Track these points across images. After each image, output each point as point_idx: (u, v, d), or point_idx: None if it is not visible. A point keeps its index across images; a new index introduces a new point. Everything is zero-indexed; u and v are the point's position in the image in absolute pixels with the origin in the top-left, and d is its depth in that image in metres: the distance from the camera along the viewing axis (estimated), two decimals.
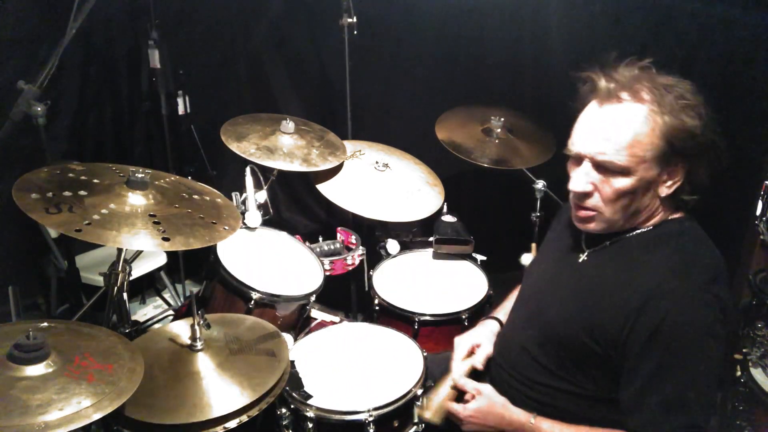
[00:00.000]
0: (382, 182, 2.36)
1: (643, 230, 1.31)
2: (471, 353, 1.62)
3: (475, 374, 1.58)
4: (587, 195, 1.28)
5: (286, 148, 2.24)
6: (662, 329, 1.16)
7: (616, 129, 1.22)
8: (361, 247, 2.41)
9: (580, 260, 1.40)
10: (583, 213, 1.32)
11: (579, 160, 1.29)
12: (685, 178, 1.25)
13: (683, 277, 1.20)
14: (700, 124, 1.21)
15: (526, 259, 2.20)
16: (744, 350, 1.94)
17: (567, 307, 1.35)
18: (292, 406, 1.54)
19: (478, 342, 1.62)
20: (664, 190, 1.26)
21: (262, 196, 2.25)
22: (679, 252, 1.25)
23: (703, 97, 1.23)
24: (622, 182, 1.23)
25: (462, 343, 1.64)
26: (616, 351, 1.23)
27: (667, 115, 1.20)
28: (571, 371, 1.33)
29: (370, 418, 1.49)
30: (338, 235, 2.50)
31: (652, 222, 1.31)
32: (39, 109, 1.86)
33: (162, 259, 2.86)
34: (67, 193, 1.40)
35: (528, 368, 1.41)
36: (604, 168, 1.24)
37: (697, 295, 1.18)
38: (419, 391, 1.59)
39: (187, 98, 2.97)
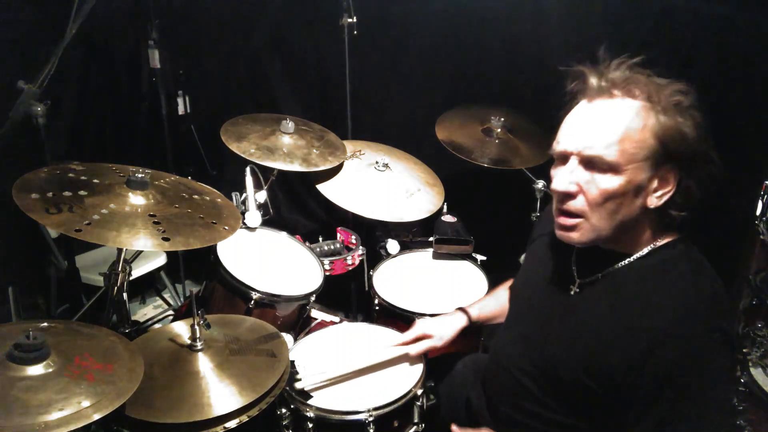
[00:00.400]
0: (382, 182, 2.37)
1: (636, 258, 1.22)
2: (419, 339, 1.67)
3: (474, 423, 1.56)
4: (571, 197, 1.18)
5: (286, 148, 2.24)
6: (674, 376, 1.10)
7: (606, 123, 1.15)
8: (361, 247, 2.41)
9: (572, 293, 1.30)
10: (566, 220, 1.21)
11: (564, 158, 1.20)
12: (675, 189, 1.16)
13: (689, 318, 1.12)
14: (694, 127, 1.14)
15: None
16: (744, 350, 1.94)
17: (564, 348, 1.26)
18: (292, 406, 1.54)
19: (431, 333, 1.66)
20: (654, 201, 1.16)
21: (262, 196, 2.25)
22: (679, 286, 1.16)
23: (697, 101, 1.17)
24: (611, 182, 1.14)
25: (418, 328, 1.68)
26: (620, 393, 1.16)
27: (660, 113, 1.13)
28: (567, 407, 1.27)
29: (370, 418, 1.49)
30: (338, 235, 2.50)
31: (643, 244, 1.22)
32: (39, 109, 1.87)
33: (162, 259, 2.87)
34: (67, 193, 1.40)
35: (520, 397, 1.36)
36: (591, 164, 1.15)
37: (707, 337, 1.11)
38: (419, 391, 1.59)
39: (187, 98, 2.98)
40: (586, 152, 1.16)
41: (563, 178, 1.19)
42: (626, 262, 1.23)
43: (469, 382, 1.63)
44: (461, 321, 1.69)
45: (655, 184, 1.16)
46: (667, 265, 1.19)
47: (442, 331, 1.67)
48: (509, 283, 1.79)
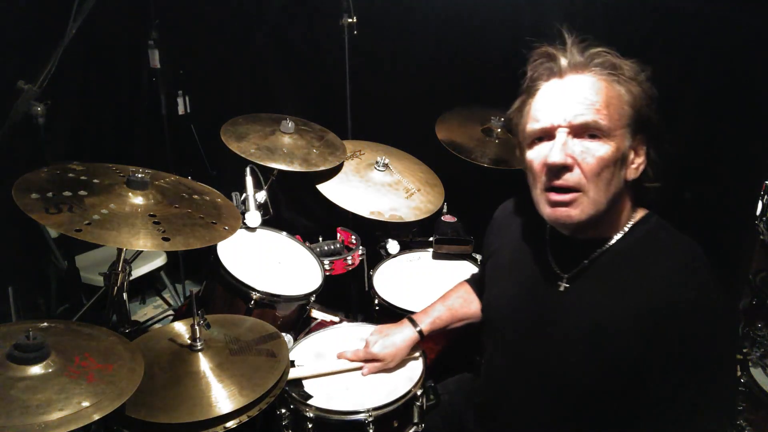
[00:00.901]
0: (382, 182, 2.36)
1: (618, 239, 1.22)
2: (368, 360, 1.64)
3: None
4: (567, 169, 1.16)
5: (286, 148, 2.24)
6: (691, 348, 1.10)
7: (588, 92, 1.17)
8: (361, 247, 2.41)
9: (562, 289, 1.27)
10: (562, 196, 1.18)
11: (549, 134, 1.20)
12: (646, 161, 1.21)
13: (692, 290, 1.12)
14: (653, 99, 1.19)
15: None
16: (744, 350, 1.94)
17: (573, 354, 1.22)
18: (291, 406, 1.54)
19: (383, 358, 1.62)
20: (632, 172, 1.20)
21: (262, 196, 2.25)
22: (670, 259, 1.17)
23: (650, 76, 1.22)
24: (604, 149, 1.14)
25: (371, 351, 1.63)
26: (638, 380, 1.15)
27: (630, 83, 1.18)
28: (583, 417, 1.24)
29: (370, 419, 1.49)
30: (338, 235, 2.50)
31: (621, 224, 1.23)
32: (39, 109, 1.87)
33: (162, 259, 2.87)
34: (67, 193, 1.40)
35: (530, 424, 1.33)
36: (583, 133, 1.16)
37: (717, 306, 1.12)
38: (419, 391, 1.59)
39: (187, 98, 2.98)
40: (577, 120, 1.16)
41: (558, 151, 1.16)
42: (610, 244, 1.23)
43: (461, 408, 1.60)
44: (413, 338, 1.66)
45: (632, 155, 1.20)
46: (650, 238, 1.22)
47: (393, 352, 1.63)
48: (461, 289, 1.80)
